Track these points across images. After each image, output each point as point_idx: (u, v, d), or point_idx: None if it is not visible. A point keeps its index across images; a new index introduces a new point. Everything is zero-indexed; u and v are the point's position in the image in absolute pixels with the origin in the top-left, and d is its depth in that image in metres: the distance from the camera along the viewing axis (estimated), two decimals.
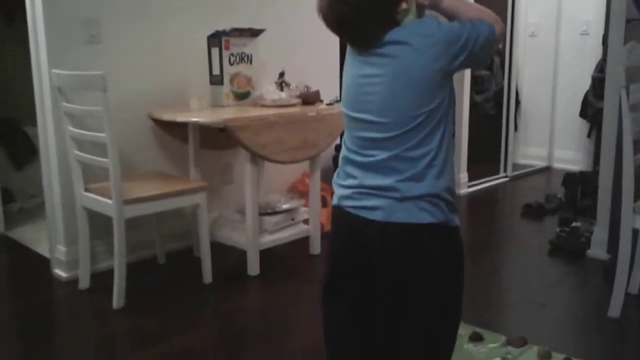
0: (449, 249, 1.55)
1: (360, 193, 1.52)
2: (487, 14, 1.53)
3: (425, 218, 1.48)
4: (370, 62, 1.50)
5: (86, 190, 2.88)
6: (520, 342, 2.42)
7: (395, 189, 1.47)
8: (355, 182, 1.54)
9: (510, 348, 2.40)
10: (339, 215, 1.58)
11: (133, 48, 3.23)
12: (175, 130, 3.35)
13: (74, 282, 3.00)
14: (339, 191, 1.59)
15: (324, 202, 3.84)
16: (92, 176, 2.91)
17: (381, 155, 1.49)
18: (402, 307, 1.56)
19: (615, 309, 2.64)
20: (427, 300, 1.54)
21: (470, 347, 2.41)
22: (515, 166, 5.65)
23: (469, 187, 4.97)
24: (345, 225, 1.58)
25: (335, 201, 1.60)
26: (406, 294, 1.54)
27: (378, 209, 1.49)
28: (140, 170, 3.24)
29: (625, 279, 2.65)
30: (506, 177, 5.43)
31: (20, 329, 2.66)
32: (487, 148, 5.39)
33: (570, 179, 4.38)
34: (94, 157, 2.77)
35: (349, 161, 1.57)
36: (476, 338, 2.47)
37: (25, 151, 4.31)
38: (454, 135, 1.56)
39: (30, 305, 2.85)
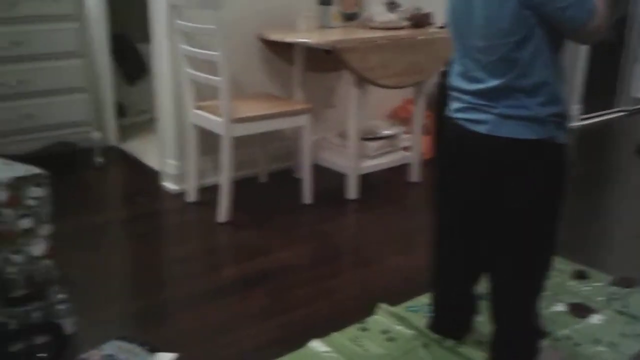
0: (551, 164, 1.63)
1: (469, 108, 1.66)
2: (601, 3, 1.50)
3: (528, 134, 1.58)
4: None
5: (196, 107, 2.97)
6: (628, 283, 2.33)
7: (501, 109, 1.59)
8: (465, 98, 1.68)
9: (616, 288, 2.31)
10: (449, 126, 1.74)
11: None
12: (282, 51, 3.34)
13: (181, 194, 3.17)
14: (452, 104, 1.73)
15: (426, 131, 3.76)
16: (202, 94, 2.99)
17: (487, 82, 1.60)
18: (501, 214, 1.69)
19: None
20: (524, 207, 1.65)
21: (573, 283, 2.35)
22: (635, 100, 5.25)
23: (583, 119, 4.69)
24: (453, 136, 1.74)
25: (447, 112, 1.75)
26: (506, 202, 1.66)
27: (484, 123, 1.62)
28: (247, 91, 3.29)
29: None
30: (624, 111, 5.07)
31: (133, 234, 2.86)
32: (605, 80, 5.03)
33: None
34: (206, 76, 2.84)
35: (457, 87, 1.70)
36: (580, 276, 2.39)
37: (136, 68, 4.48)
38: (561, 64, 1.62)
39: (143, 214, 3.04)
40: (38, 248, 1.71)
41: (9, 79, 3.19)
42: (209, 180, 3.24)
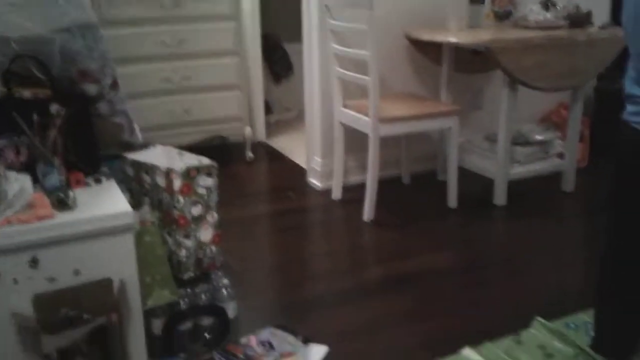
0: None
1: None
2: None
3: None
4: None
5: (344, 106, 3.00)
6: None
7: None
8: None
9: None
10: (626, 131, 1.59)
11: None
12: (430, 51, 3.29)
13: (327, 191, 3.21)
14: (627, 108, 1.59)
15: (581, 137, 3.54)
16: (349, 93, 3.01)
17: None
18: None
19: None
20: None
21: None
22: None
23: None
24: (630, 141, 1.58)
25: (623, 116, 1.60)
26: None
27: None
28: (393, 90, 3.28)
29: None
30: None
31: (283, 227, 2.94)
32: None
33: None
34: (355, 75, 2.86)
35: (631, 94, 1.55)
36: None
37: (284, 67, 4.63)
38: None
39: (292, 208, 3.13)
40: (206, 234, 1.81)
41: (173, 75, 3.41)
42: (353, 179, 3.27)
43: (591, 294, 1.86)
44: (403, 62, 3.36)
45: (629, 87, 1.58)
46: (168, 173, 1.74)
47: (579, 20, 3.18)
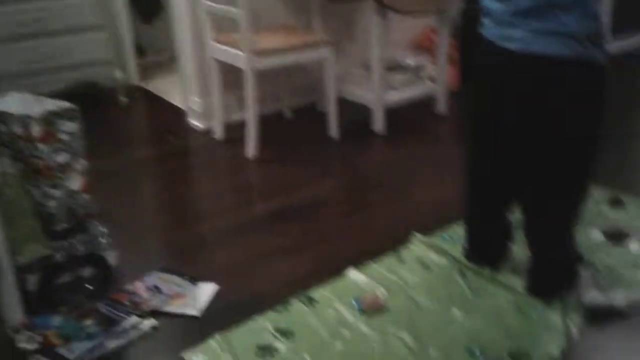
0: (589, 86, 1.58)
1: (501, 24, 1.59)
2: None
3: (563, 50, 1.51)
4: None
5: (216, 41, 2.91)
6: None
7: (535, 25, 1.52)
8: (499, 17, 1.60)
9: None
10: (481, 44, 1.67)
11: None
12: None
13: (209, 131, 3.15)
14: (484, 22, 1.66)
15: (451, 61, 3.67)
16: (221, 27, 2.91)
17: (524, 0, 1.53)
18: (536, 138, 1.64)
19: None
20: (561, 132, 1.61)
21: (609, 210, 2.32)
22: None
23: (616, 41, 4.54)
24: (485, 55, 1.67)
25: (479, 30, 1.68)
26: (541, 126, 1.62)
27: (516, 40, 1.56)
28: (265, 22, 3.20)
29: None
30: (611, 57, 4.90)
31: (164, 171, 2.87)
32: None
33: None
34: (224, 7, 2.76)
35: (491, 9, 1.62)
36: (615, 202, 2.36)
37: (152, 5, 4.38)
38: None
39: (172, 151, 3.04)
40: (75, 182, 1.72)
41: (24, 17, 3.13)
42: (235, 117, 3.21)
43: (462, 204, 1.98)
44: None
45: (490, 3, 1.64)
46: (24, 120, 1.61)
47: None
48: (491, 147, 1.79)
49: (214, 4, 2.82)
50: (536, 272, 1.82)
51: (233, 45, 2.80)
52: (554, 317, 1.71)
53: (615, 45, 4.47)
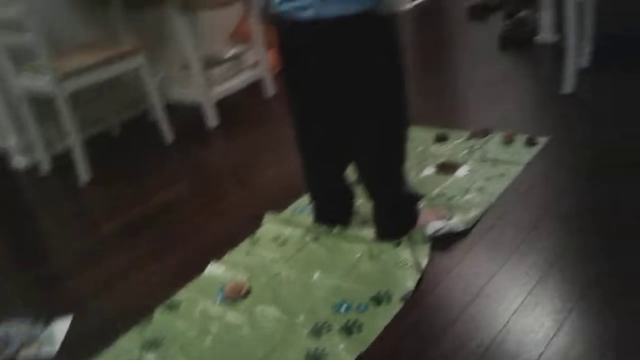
0: (381, 35, 1.68)
1: None
2: None
3: (351, 8, 1.58)
4: None
5: (20, 71, 2.72)
6: (484, 133, 2.50)
7: None
8: None
9: (474, 140, 2.48)
10: (279, 21, 1.71)
11: None
12: None
13: (34, 168, 2.95)
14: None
15: (272, 44, 3.72)
16: (22, 59, 2.73)
17: None
18: (349, 93, 1.72)
19: (568, 85, 2.71)
20: (368, 81, 1.70)
21: (436, 147, 2.48)
22: None
23: (413, 0, 4.84)
24: (285, 29, 1.71)
25: (274, 7, 1.70)
26: (349, 81, 1.70)
27: (308, 8, 1.60)
28: (68, 46, 3.04)
29: (574, 53, 2.68)
30: None
31: None
32: None
33: None
34: (18, 36, 2.58)
35: None
36: (441, 138, 2.53)
37: None
38: None
39: None
40: None
41: None
42: (60, 147, 3.03)
43: None
44: (72, 14, 3.12)
45: None
46: None
47: None
48: (311, 112, 1.84)
49: (6, 35, 2.63)
50: (380, 217, 1.91)
51: (37, 72, 2.63)
52: (404, 254, 1.81)
53: (414, 3, 4.78)
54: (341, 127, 1.84)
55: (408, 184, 1.91)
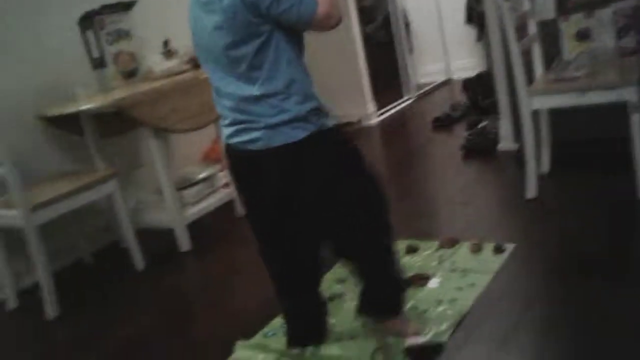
0: (333, 147, 1.73)
1: (240, 130, 1.69)
2: None
3: (300, 134, 1.64)
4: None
5: None
6: (452, 243, 2.52)
7: (266, 120, 1.64)
8: (231, 121, 1.71)
9: (443, 250, 2.49)
10: (231, 152, 1.77)
11: (3, 48, 3.04)
12: (69, 124, 3.19)
13: (0, 304, 2.87)
14: (225, 131, 1.76)
15: None
16: None
17: (245, 91, 1.63)
18: (314, 212, 1.76)
19: (531, 190, 2.78)
20: (328, 195, 1.72)
21: (407, 259, 2.48)
22: (419, 86, 5.76)
23: (379, 115, 5.04)
24: (236, 159, 1.77)
25: (224, 140, 1.77)
26: (308, 198, 1.73)
27: (257, 140, 1.66)
28: (42, 176, 3.09)
29: (534, 160, 2.77)
30: (411, 98, 5.54)
31: None
32: (388, 75, 5.46)
33: (469, 83, 4.52)
34: None
35: (225, 107, 1.73)
36: (411, 250, 2.54)
37: None
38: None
39: None
40: None
41: None
42: (28, 281, 2.98)
43: None
44: (45, 144, 3.19)
45: (220, 104, 1.74)
46: None
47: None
48: (271, 232, 1.85)
49: None
50: (363, 292, 1.93)
51: (7, 205, 2.64)
52: None
53: (380, 119, 4.96)
54: (305, 244, 1.86)
55: (398, 268, 1.93)
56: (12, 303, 2.84)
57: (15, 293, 2.85)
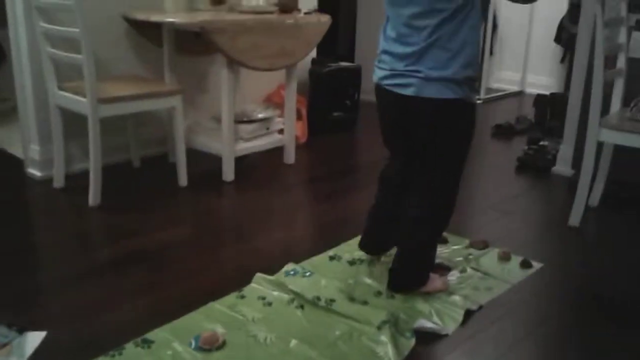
0: (465, 118, 1.96)
1: (396, 74, 1.88)
2: None
3: (449, 94, 1.83)
4: None
5: (60, 88, 2.85)
6: (482, 245, 2.55)
7: (426, 72, 1.81)
8: (392, 63, 1.91)
9: (472, 250, 2.52)
10: (379, 92, 1.99)
11: None
12: (151, 32, 3.29)
13: (48, 181, 3.02)
14: (378, 72, 1.97)
15: (299, 115, 3.86)
16: (66, 77, 2.87)
17: (419, 44, 1.81)
18: (427, 151, 2.01)
19: (575, 218, 2.77)
20: (443, 149, 1.98)
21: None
22: (488, 90, 5.70)
23: None
24: (385, 100, 1.99)
25: (375, 80, 1.99)
26: (431, 144, 1.98)
27: (410, 86, 1.85)
28: (114, 72, 3.20)
29: (587, 190, 2.76)
30: (479, 99, 5.49)
31: None
32: None
33: (541, 100, 4.46)
34: (68, 54, 2.73)
35: (387, 50, 1.93)
36: (441, 241, 2.57)
37: None
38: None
39: (5, 202, 2.87)
40: None
41: None
42: (78, 167, 3.13)
43: (308, 245, 2.06)
44: (124, 44, 3.29)
45: (387, 45, 1.92)
46: None
47: (287, 6, 3.46)
48: (396, 152, 2.18)
49: (56, 51, 2.78)
50: (393, 263, 2.12)
51: (77, 92, 2.76)
52: (384, 348, 1.81)
53: None
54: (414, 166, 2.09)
55: (433, 251, 2.14)
56: (59, 182, 2.99)
57: (64, 174, 2.99)
